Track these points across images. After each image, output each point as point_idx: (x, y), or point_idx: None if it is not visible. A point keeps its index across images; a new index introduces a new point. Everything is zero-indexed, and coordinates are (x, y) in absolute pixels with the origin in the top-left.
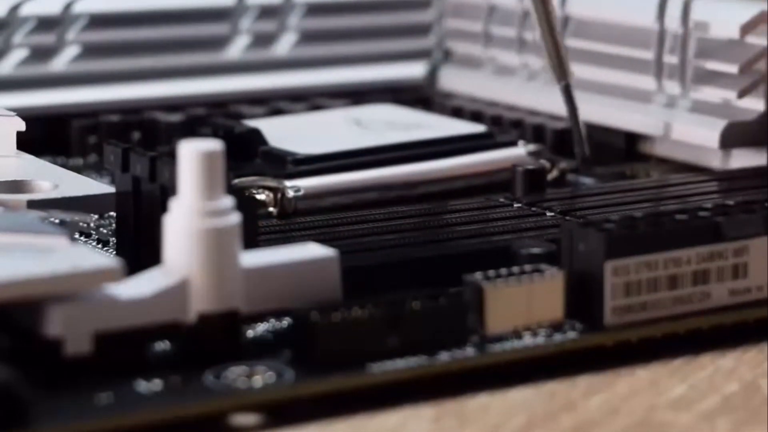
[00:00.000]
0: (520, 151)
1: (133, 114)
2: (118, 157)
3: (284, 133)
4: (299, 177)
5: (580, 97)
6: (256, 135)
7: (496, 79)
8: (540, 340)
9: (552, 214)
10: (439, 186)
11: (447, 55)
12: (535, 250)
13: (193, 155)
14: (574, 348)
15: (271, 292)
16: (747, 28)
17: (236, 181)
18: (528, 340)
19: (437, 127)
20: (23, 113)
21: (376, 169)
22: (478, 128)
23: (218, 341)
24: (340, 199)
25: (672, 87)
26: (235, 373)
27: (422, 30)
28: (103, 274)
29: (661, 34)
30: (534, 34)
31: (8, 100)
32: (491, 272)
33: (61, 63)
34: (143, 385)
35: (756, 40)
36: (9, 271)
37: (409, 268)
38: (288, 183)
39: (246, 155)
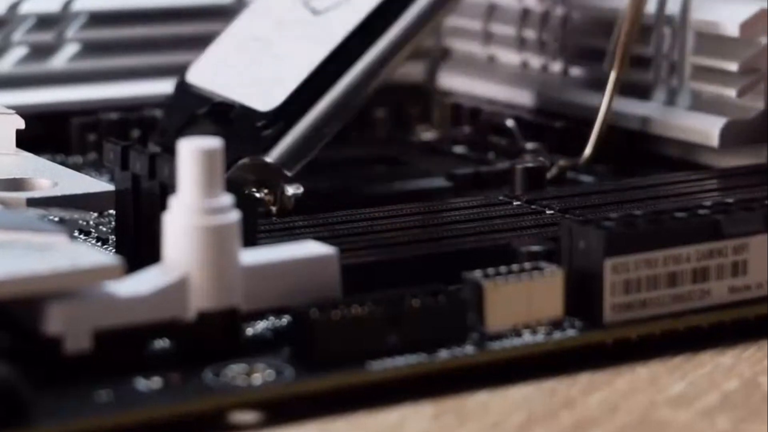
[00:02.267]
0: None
1: (133, 112)
2: (118, 154)
3: (231, 75)
4: (275, 139)
5: (579, 95)
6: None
7: (496, 77)
8: (540, 337)
9: (551, 212)
10: None
11: (446, 53)
12: (535, 248)
13: (193, 153)
14: (574, 345)
15: (271, 290)
16: (747, 26)
17: (234, 167)
18: (528, 337)
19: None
20: (22, 111)
21: (344, 75)
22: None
23: (218, 339)
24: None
25: (671, 84)
26: (235, 370)
27: None
28: (102, 271)
29: (661, 31)
30: (544, 33)
31: (7, 97)
32: (491, 270)
33: (60, 61)
34: (143, 383)
35: (756, 37)
36: (8, 268)
37: (408, 266)
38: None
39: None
